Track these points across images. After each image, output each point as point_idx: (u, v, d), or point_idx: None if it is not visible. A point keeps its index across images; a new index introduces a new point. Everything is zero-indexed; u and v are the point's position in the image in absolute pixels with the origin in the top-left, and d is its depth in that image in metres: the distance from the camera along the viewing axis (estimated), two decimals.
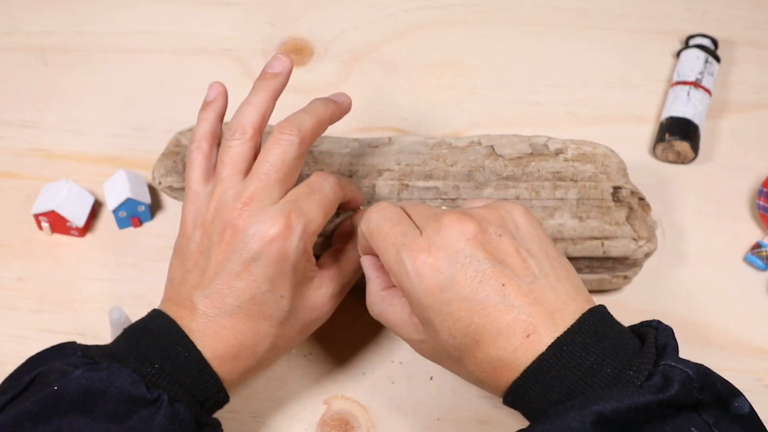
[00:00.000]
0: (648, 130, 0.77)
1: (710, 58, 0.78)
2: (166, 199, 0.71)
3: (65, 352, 0.50)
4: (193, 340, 0.51)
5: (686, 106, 0.75)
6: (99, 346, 0.51)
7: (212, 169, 0.56)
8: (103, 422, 0.46)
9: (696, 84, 0.76)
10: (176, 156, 0.65)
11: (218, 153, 0.56)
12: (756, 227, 0.71)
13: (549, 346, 0.47)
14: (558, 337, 0.47)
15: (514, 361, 0.48)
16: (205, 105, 0.59)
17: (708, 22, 0.85)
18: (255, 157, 0.55)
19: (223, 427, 0.59)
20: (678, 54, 0.81)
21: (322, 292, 0.56)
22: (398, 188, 0.64)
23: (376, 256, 0.53)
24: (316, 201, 0.54)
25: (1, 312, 0.65)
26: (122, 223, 0.69)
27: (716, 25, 0.84)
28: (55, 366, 0.48)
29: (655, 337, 0.48)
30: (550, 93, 0.79)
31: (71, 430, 0.46)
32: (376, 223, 0.52)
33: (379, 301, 0.54)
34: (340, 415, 0.60)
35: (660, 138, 0.74)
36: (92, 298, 0.66)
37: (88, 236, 0.69)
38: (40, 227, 0.69)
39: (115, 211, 0.68)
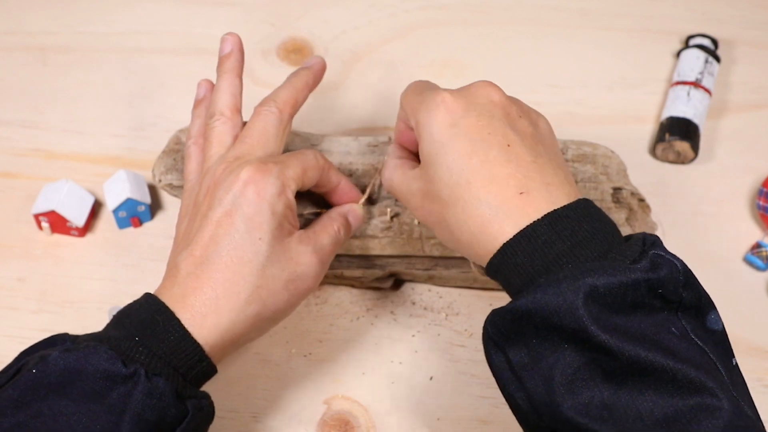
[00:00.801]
0: (648, 130, 0.77)
1: (710, 58, 0.78)
2: (166, 199, 0.71)
3: (55, 344, 0.50)
4: (172, 301, 0.51)
5: (686, 106, 0.75)
6: (90, 334, 0.51)
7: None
8: (82, 402, 0.46)
9: (696, 84, 0.76)
10: (176, 154, 0.65)
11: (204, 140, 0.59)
12: (756, 227, 0.71)
13: (544, 215, 0.47)
14: (555, 210, 0.47)
15: (503, 218, 0.48)
16: (197, 103, 0.62)
17: (708, 22, 0.85)
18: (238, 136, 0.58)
19: (223, 427, 0.59)
20: (678, 54, 0.81)
21: (303, 248, 0.55)
22: None
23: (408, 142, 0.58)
24: (294, 156, 0.56)
25: (1, 312, 0.65)
26: (122, 223, 0.69)
27: (716, 25, 0.84)
28: (39, 353, 0.49)
29: (643, 237, 0.48)
30: (550, 93, 0.79)
31: (52, 413, 0.46)
32: (416, 84, 0.56)
33: (392, 166, 0.57)
34: (340, 415, 0.60)
35: (660, 138, 0.74)
36: (92, 298, 0.66)
37: (88, 236, 0.69)
38: (40, 227, 0.69)
39: (115, 211, 0.68)
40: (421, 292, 0.66)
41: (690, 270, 0.46)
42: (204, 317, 0.51)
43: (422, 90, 0.54)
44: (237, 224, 0.52)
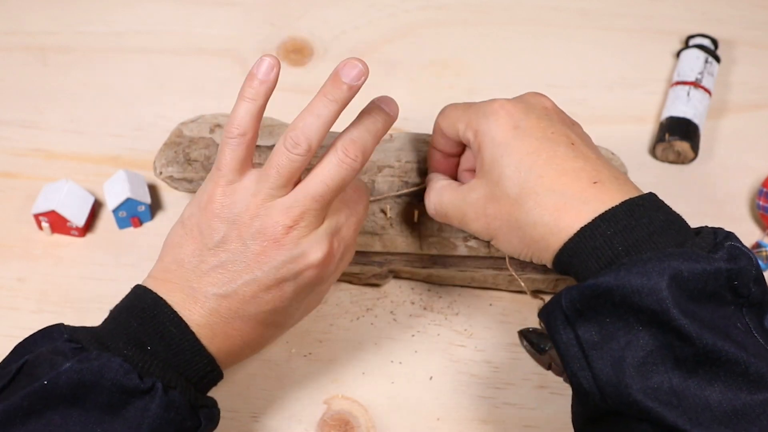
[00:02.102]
0: (648, 130, 0.77)
1: (710, 58, 0.78)
2: (166, 199, 0.71)
3: (52, 336, 0.50)
4: (200, 334, 0.50)
5: (686, 106, 0.75)
6: (87, 328, 0.51)
7: (250, 160, 0.52)
8: (96, 413, 0.46)
9: (696, 84, 0.76)
10: (178, 146, 0.65)
11: (273, 156, 0.51)
12: (756, 227, 0.71)
13: (622, 202, 0.48)
14: (631, 198, 0.48)
15: (580, 205, 0.49)
16: (254, 82, 0.51)
17: (708, 22, 0.85)
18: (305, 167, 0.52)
19: (223, 427, 0.59)
20: (678, 54, 0.81)
21: (324, 288, 0.56)
22: (398, 185, 0.64)
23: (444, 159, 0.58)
24: (353, 225, 0.54)
25: (1, 312, 0.65)
26: (122, 223, 0.69)
27: (716, 25, 0.84)
28: (43, 355, 0.48)
29: (714, 230, 0.49)
30: (550, 93, 0.79)
31: (64, 423, 0.46)
32: (452, 105, 0.57)
33: (438, 188, 0.57)
34: (340, 415, 0.60)
35: (660, 138, 0.74)
36: (92, 298, 0.66)
37: (88, 236, 0.69)
38: (40, 227, 0.69)
39: (115, 211, 0.68)
40: (420, 292, 0.66)
41: (760, 266, 0.47)
42: (226, 356, 0.52)
43: (468, 105, 0.56)
44: (284, 297, 0.52)
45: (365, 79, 0.52)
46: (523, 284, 0.60)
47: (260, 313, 0.52)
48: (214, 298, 0.51)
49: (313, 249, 0.51)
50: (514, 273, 0.58)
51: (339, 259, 0.54)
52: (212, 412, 0.52)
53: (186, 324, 0.50)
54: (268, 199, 0.51)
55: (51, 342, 0.49)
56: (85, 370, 0.46)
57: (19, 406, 0.46)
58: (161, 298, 0.50)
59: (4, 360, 0.50)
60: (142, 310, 0.50)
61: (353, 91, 0.51)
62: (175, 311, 0.50)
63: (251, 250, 0.51)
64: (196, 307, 0.51)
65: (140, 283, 0.52)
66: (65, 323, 0.51)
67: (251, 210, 0.51)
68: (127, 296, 0.52)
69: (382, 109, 0.54)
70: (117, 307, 0.52)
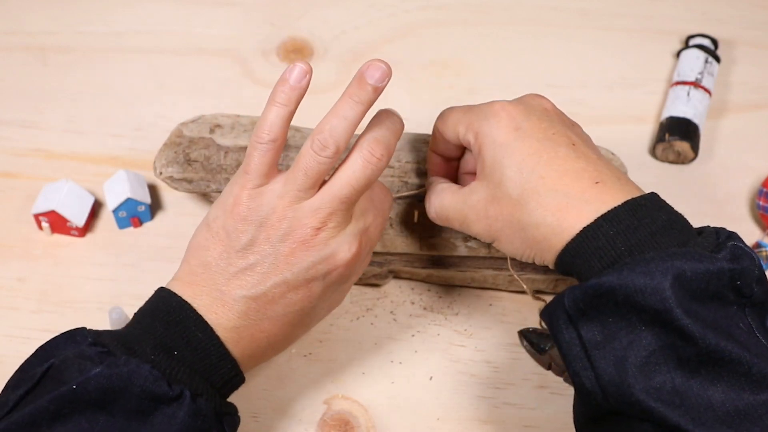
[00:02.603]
0: (648, 130, 0.77)
1: (710, 58, 0.78)
2: (167, 199, 0.71)
3: (75, 339, 0.49)
4: (227, 338, 0.50)
5: (686, 106, 0.75)
6: (111, 332, 0.51)
7: (277, 164, 0.52)
8: (123, 419, 0.46)
9: (696, 84, 0.76)
10: (178, 147, 0.65)
11: (300, 157, 0.51)
12: (756, 227, 0.71)
13: (625, 202, 0.48)
14: (633, 198, 0.48)
15: (582, 205, 0.49)
16: (286, 87, 0.51)
17: (708, 22, 0.85)
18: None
19: None
20: (678, 54, 0.81)
21: (345, 287, 0.56)
22: (398, 185, 0.64)
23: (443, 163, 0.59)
24: (380, 225, 0.55)
25: (1, 312, 0.65)
26: (122, 223, 0.69)
27: (716, 25, 0.84)
28: (69, 359, 0.47)
29: (716, 230, 0.49)
30: (550, 93, 0.79)
31: (90, 428, 0.46)
32: (450, 108, 0.57)
33: (438, 191, 0.57)
34: (340, 415, 0.60)
35: (660, 138, 0.74)
36: (92, 298, 0.66)
37: (88, 236, 0.69)
38: (40, 227, 0.69)
39: (115, 211, 0.68)
40: (421, 292, 0.66)
41: (762, 266, 0.47)
42: (250, 358, 0.52)
43: (468, 108, 0.56)
44: (313, 297, 0.52)
45: (389, 80, 0.51)
46: (524, 285, 0.60)
47: (288, 314, 0.52)
48: (243, 301, 0.51)
49: (342, 249, 0.52)
50: (515, 274, 0.58)
51: (365, 259, 0.55)
52: (234, 420, 0.52)
53: (212, 329, 0.50)
54: (296, 201, 0.51)
55: (75, 345, 0.49)
56: (115, 375, 0.46)
57: (46, 409, 0.45)
58: (186, 302, 0.50)
59: (25, 363, 0.49)
60: (167, 314, 0.50)
61: (378, 92, 0.51)
62: (201, 315, 0.50)
63: (280, 251, 0.51)
64: (224, 310, 0.51)
65: (164, 285, 0.52)
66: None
67: (279, 212, 0.51)
68: (151, 299, 0.52)
69: (395, 112, 0.54)
70: (141, 310, 0.52)
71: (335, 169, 0.52)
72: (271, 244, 0.51)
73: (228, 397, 0.53)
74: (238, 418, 0.53)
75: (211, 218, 0.53)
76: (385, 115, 0.53)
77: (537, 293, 0.66)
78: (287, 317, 0.52)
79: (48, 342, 0.50)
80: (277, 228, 0.51)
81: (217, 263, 0.52)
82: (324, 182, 0.52)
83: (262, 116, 0.51)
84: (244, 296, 0.51)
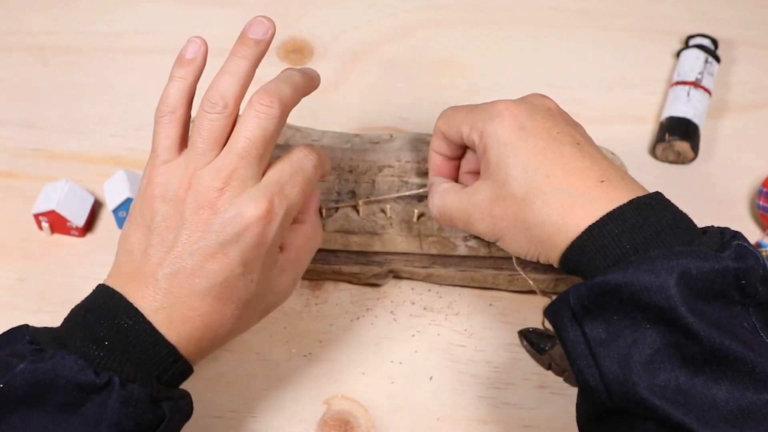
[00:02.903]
0: (648, 130, 0.77)
1: (710, 58, 0.78)
2: None
3: (15, 338, 0.49)
4: (157, 320, 0.49)
5: (686, 106, 0.75)
6: (48, 329, 0.50)
7: (184, 138, 0.53)
8: (55, 413, 0.46)
9: (696, 84, 0.76)
10: None
11: (194, 122, 0.52)
12: (756, 227, 0.71)
13: (630, 200, 0.48)
14: (638, 197, 0.49)
15: (587, 203, 0.49)
16: (183, 62, 0.54)
17: (708, 22, 0.85)
18: (232, 129, 0.52)
19: (223, 427, 0.59)
20: (678, 54, 0.81)
21: (285, 277, 0.55)
22: (398, 184, 0.64)
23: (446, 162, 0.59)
24: (299, 183, 0.53)
25: (1, 312, 0.65)
26: (122, 223, 0.69)
27: (716, 25, 0.84)
28: (0, 358, 0.47)
29: (720, 230, 0.49)
30: (550, 93, 0.79)
31: (24, 426, 0.45)
32: (453, 108, 0.57)
33: (441, 191, 0.57)
34: (340, 415, 0.60)
35: (660, 138, 0.74)
36: None
37: (88, 236, 0.69)
38: (40, 227, 0.69)
39: (115, 211, 0.68)
40: (421, 292, 0.66)
41: (767, 266, 0.47)
42: (188, 342, 0.50)
43: (472, 108, 0.56)
44: (232, 264, 0.50)
45: (272, 34, 0.53)
46: (531, 282, 0.60)
47: (214, 287, 0.50)
48: (165, 278, 0.49)
49: (249, 206, 0.50)
50: (522, 272, 0.58)
51: (284, 219, 0.51)
52: (179, 404, 0.50)
53: (141, 314, 0.49)
54: (199, 167, 0.51)
55: (13, 344, 0.48)
56: (40, 369, 0.46)
57: None
58: (116, 292, 0.49)
59: None
60: (98, 307, 0.49)
61: (261, 45, 0.53)
62: (129, 302, 0.49)
63: (190, 221, 0.50)
64: (149, 292, 0.49)
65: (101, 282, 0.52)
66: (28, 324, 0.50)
67: (185, 182, 0.51)
68: (88, 296, 0.51)
69: (298, 69, 0.55)
70: (76, 306, 0.51)
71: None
72: (180, 215, 0.50)
73: (177, 386, 0.51)
74: (188, 401, 0.51)
75: (131, 209, 0.53)
76: (283, 72, 0.54)
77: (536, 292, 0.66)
78: (213, 290, 0.50)
79: None
80: (184, 198, 0.50)
81: (137, 247, 0.51)
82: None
83: (162, 93, 0.52)
84: (165, 274, 0.49)
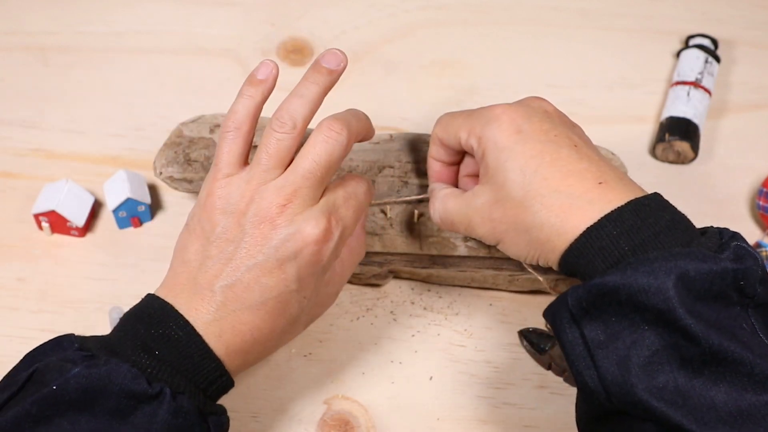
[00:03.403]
0: (648, 130, 0.77)
1: (710, 58, 0.78)
2: (166, 199, 0.71)
3: (62, 346, 0.49)
4: (208, 333, 0.50)
5: (686, 106, 0.75)
6: (97, 337, 0.51)
7: (247, 154, 0.54)
8: (104, 419, 0.46)
9: (696, 84, 0.76)
10: (178, 147, 0.65)
11: (262, 140, 0.53)
12: (756, 227, 0.71)
13: (628, 202, 0.48)
14: (637, 198, 0.49)
15: (586, 205, 0.49)
16: (254, 81, 0.54)
17: (708, 22, 0.85)
18: (296, 150, 0.53)
19: None
20: (678, 54, 0.81)
21: (331, 290, 0.56)
22: (398, 185, 0.64)
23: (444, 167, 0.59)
24: (352, 207, 0.54)
25: (1, 312, 0.65)
26: (122, 223, 0.69)
27: (716, 25, 0.84)
28: (52, 363, 0.48)
29: (719, 231, 0.49)
30: (550, 93, 0.79)
31: (72, 428, 0.45)
32: (449, 114, 0.57)
33: (441, 196, 0.57)
34: (340, 415, 0.60)
35: (660, 138, 0.74)
36: (92, 298, 0.66)
37: (88, 236, 0.69)
38: (40, 227, 0.69)
39: (115, 211, 0.68)
40: (421, 292, 0.66)
41: (766, 266, 0.47)
42: (236, 354, 0.51)
43: (469, 113, 0.56)
44: (288, 280, 0.51)
45: (344, 66, 0.55)
46: (542, 279, 0.59)
47: (267, 301, 0.51)
48: (220, 291, 0.50)
49: (309, 224, 0.51)
50: (533, 272, 0.58)
51: (339, 241, 0.53)
52: (221, 420, 0.51)
53: (192, 327, 0.50)
54: (262, 183, 0.52)
55: (61, 351, 0.49)
56: (94, 375, 0.46)
57: (28, 412, 0.45)
58: (167, 303, 0.50)
59: (13, 369, 0.49)
60: (149, 316, 0.50)
61: (333, 75, 0.54)
62: (180, 314, 0.50)
63: (250, 234, 0.51)
64: (203, 304, 0.50)
65: (152, 292, 0.52)
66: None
67: (246, 196, 0.51)
68: (137, 304, 0.52)
69: (357, 110, 0.56)
70: (126, 314, 0.52)
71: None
72: (241, 228, 0.51)
73: (217, 400, 0.52)
74: (226, 419, 0.52)
75: (189, 218, 0.54)
76: (352, 109, 0.56)
77: (536, 293, 0.66)
78: (267, 305, 0.51)
79: (35, 348, 0.50)
80: (245, 211, 0.51)
81: (195, 258, 0.52)
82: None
83: (230, 109, 0.54)
84: (221, 286, 0.50)
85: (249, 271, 0.51)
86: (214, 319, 0.50)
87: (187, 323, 0.50)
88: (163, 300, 0.51)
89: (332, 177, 0.54)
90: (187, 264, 0.52)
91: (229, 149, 0.53)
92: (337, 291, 0.57)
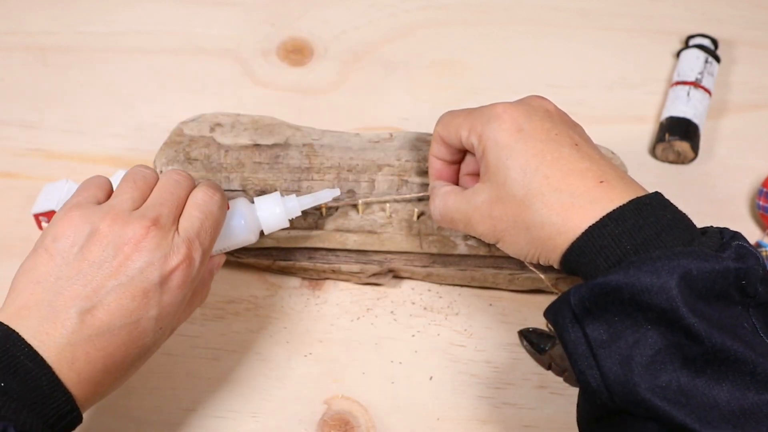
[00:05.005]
0: (648, 130, 0.77)
1: (710, 58, 0.78)
2: None
3: None
4: (60, 359, 0.47)
5: (686, 106, 0.75)
6: None
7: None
8: None
9: (696, 84, 0.76)
10: (178, 145, 0.66)
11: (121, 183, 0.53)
12: (756, 227, 0.71)
13: (630, 200, 0.48)
14: (638, 197, 0.49)
15: (587, 204, 0.49)
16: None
17: (708, 22, 0.85)
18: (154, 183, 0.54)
19: (223, 427, 0.59)
20: (678, 54, 0.81)
21: (184, 315, 0.54)
22: (398, 183, 0.64)
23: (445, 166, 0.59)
24: (209, 229, 0.53)
25: None
26: None
27: (716, 25, 0.84)
28: None
29: (720, 230, 0.49)
30: (550, 93, 0.79)
31: None
32: (451, 112, 0.57)
33: (442, 194, 0.58)
34: (340, 415, 0.60)
35: (660, 138, 0.74)
36: None
37: None
38: (40, 227, 0.68)
39: None
40: (421, 292, 0.66)
41: (767, 266, 0.47)
42: (87, 384, 0.48)
43: (470, 111, 0.56)
44: (150, 309, 0.49)
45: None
46: (543, 277, 0.59)
47: (125, 326, 0.49)
48: (77, 314, 0.47)
49: (174, 252, 0.50)
50: (535, 270, 0.58)
51: (199, 266, 0.52)
52: None
53: (41, 357, 0.46)
54: (125, 209, 0.51)
55: None
56: None
57: None
58: (12, 330, 0.46)
59: None
60: None
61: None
62: (29, 344, 0.46)
63: (111, 256, 0.49)
64: (57, 327, 0.47)
65: None
66: None
67: (108, 215, 0.50)
68: None
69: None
70: None
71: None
72: (102, 248, 0.49)
73: None
74: None
75: (40, 238, 0.51)
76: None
77: (537, 292, 0.66)
78: (123, 330, 0.49)
79: None
80: (108, 232, 0.50)
81: (47, 279, 0.49)
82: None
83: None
84: (79, 309, 0.48)
85: (111, 295, 0.48)
86: (68, 344, 0.47)
87: (35, 353, 0.46)
88: (6, 326, 0.47)
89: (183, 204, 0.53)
90: (37, 285, 0.49)
91: (93, 185, 0.53)
92: (192, 307, 0.55)
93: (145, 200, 0.53)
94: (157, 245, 0.50)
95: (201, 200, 0.53)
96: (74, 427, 0.48)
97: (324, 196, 0.61)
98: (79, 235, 0.49)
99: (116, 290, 0.48)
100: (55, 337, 0.47)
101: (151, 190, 0.53)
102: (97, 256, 0.49)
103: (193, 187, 0.54)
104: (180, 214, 0.52)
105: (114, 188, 0.54)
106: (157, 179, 0.54)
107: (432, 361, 0.63)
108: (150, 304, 0.49)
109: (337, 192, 0.61)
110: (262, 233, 0.59)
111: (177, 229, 0.52)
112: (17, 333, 0.46)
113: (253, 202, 0.59)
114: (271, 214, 0.59)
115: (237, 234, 0.57)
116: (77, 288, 0.48)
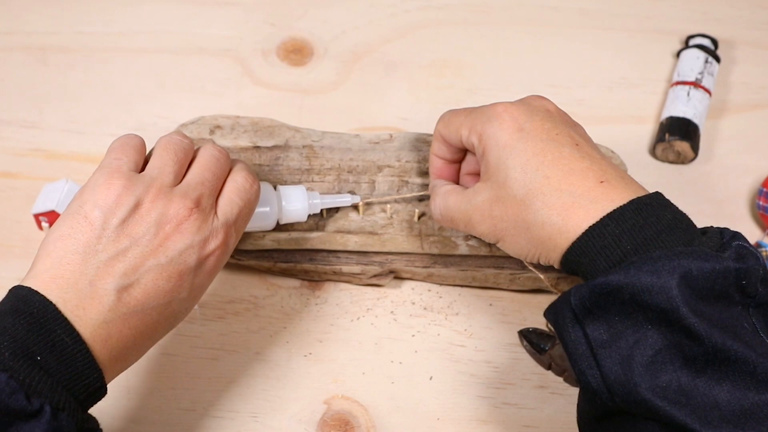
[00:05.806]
0: (648, 130, 0.77)
1: (710, 58, 0.78)
2: None
3: None
4: (95, 336, 0.46)
5: (686, 106, 0.75)
6: None
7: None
8: None
9: (696, 84, 0.76)
10: None
11: (157, 150, 0.53)
12: (756, 227, 0.71)
13: (630, 200, 0.48)
14: (639, 197, 0.49)
15: (588, 204, 0.49)
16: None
17: (708, 22, 0.85)
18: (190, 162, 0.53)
19: (223, 427, 0.59)
20: (678, 54, 0.81)
21: (206, 285, 0.54)
22: (398, 184, 0.64)
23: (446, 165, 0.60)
24: (246, 217, 0.54)
25: None
26: None
27: (716, 25, 0.84)
28: None
29: (720, 230, 0.49)
30: (550, 93, 0.79)
31: None
32: (452, 111, 0.58)
33: (442, 193, 0.58)
34: (340, 415, 0.60)
35: (660, 138, 0.74)
36: None
37: None
38: (40, 227, 0.68)
39: None
40: (421, 292, 0.66)
41: (767, 266, 0.47)
42: (115, 361, 0.48)
43: (470, 110, 0.56)
44: (182, 291, 0.50)
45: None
46: (542, 276, 0.59)
47: (158, 306, 0.49)
48: (115, 291, 0.47)
49: (214, 236, 0.51)
50: (535, 270, 0.58)
51: (233, 247, 0.54)
52: None
53: (78, 334, 0.46)
54: (163, 176, 0.51)
55: None
56: None
57: None
58: (50, 302, 0.46)
59: None
60: (29, 315, 0.45)
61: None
62: (66, 318, 0.46)
63: (153, 234, 0.49)
64: (94, 304, 0.47)
65: (21, 283, 0.48)
66: None
67: (151, 189, 0.50)
68: (7, 299, 0.47)
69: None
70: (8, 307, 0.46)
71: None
72: (144, 224, 0.49)
73: (89, 409, 0.48)
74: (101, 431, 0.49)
75: (76, 201, 0.50)
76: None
77: (537, 292, 0.66)
78: (155, 310, 0.49)
79: None
80: (150, 207, 0.49)
81: (85, 249, 0.47)
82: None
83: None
84: (116, 286, 0.47)
85: (149, 273, 0.48)
86: (104, 321, 0.47)
87: (72, 328, 0.46)
88: (43, 296, 0.46)
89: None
90: (75, 255, 0.48)
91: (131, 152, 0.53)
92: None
93: (184, 174, 0.52)
94: (198, 228, 0.50)
95: (242, 186, 0.54)
96: (97, 401, 0.48)
97: (344, 200, 0.63)
98: (121, 207, 0.48)
99: (154, 270, 0.49)
100: (92, 314, 0.47)
101: (189, 163, 0.53)
102: (138, 232, 0.49)
103: (230, 165, 0.54)
104: (218, 195, 0.53)
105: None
106: (194, 151, 0.54)
107: (432, 361, 0.63)
108: (183, 286, 0.50)
109: (357, 199, 0.63)
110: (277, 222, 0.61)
111: (216, 212, 0.52)
112: (55, 306, 0.46)
113: (275, 188, 0.60)
114: (295, 207, 0.60)
115: (259, 219, 0.59)
116: (116, 264, 0.48)
